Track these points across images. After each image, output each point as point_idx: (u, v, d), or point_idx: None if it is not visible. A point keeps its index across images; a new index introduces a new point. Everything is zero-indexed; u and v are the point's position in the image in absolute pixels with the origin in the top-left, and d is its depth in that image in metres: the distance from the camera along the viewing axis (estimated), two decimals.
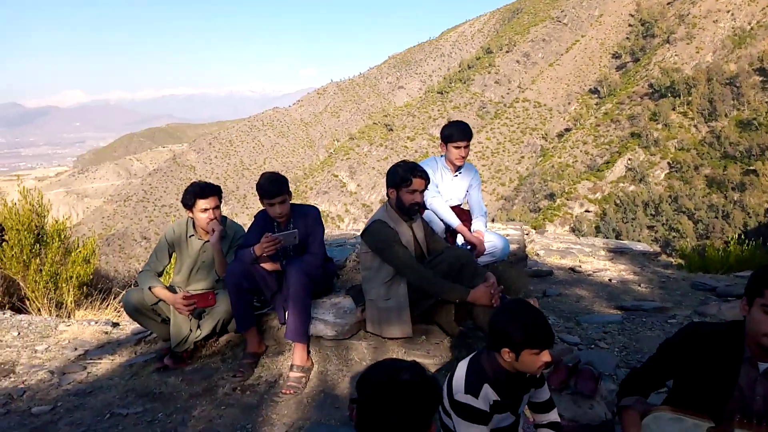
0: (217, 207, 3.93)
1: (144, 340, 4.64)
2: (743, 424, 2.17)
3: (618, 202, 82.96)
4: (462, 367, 2.37)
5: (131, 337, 4.91)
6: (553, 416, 2.52)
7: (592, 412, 3.11)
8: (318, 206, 4.16)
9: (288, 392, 3.48)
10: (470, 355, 2.42)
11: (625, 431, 2.34)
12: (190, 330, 3.92)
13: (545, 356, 2.20)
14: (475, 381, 2.28)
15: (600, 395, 3.23)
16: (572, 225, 76.15)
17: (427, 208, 4.38)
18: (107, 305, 6.93)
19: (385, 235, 3.55)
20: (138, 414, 3.44)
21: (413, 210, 3.60)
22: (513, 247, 5.49)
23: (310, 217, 3.90)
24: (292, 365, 3.63)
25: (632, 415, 2.35)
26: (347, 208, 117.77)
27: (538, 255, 8.78)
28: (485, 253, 4.28)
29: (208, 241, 3.95)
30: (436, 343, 3.71)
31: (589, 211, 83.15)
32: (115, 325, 5.63)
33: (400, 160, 3.77)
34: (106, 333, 5.27)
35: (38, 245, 7.06)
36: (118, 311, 6.74)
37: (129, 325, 5.59)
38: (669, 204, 79.19)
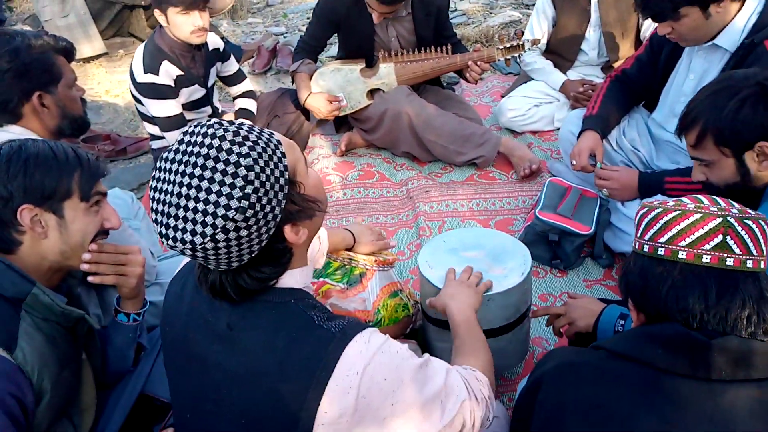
0: None
1: None
2: (385, 58, 2.64)
3: None
4: (139, 52, 2.35)
5: None
6: (246, 86, 2.71)
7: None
8: None
9: None
10: (145, 41, 2.39)
11: (299, 90, 2.69)
12: None
13: (195, 18, 2.21)
14: (152, 60, 2.30)
15: None
16: None
17: None
18: None
19: None
20: None
21: None
22: None
23: None
24: None
25: (302, 77, 2.72)
26: None
27: None
28: None
29: None
30: None
31: None
32: None
33: None
34: None
35: None
36: None
37: None
38: None
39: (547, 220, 1.98)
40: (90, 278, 1.27)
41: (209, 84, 2.53)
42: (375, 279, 1.63)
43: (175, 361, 1.06)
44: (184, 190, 0.81)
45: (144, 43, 2.38)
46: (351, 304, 1.55)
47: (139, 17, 3.34)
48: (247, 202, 0.80)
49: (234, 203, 0.79)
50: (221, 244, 0.82)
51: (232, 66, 2.64)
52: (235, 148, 0.81)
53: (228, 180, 0.80)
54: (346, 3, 2.56)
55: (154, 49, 2.31)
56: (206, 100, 2.54)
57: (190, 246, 0.82)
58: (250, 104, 2.71)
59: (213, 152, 0.81)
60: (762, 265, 0.89)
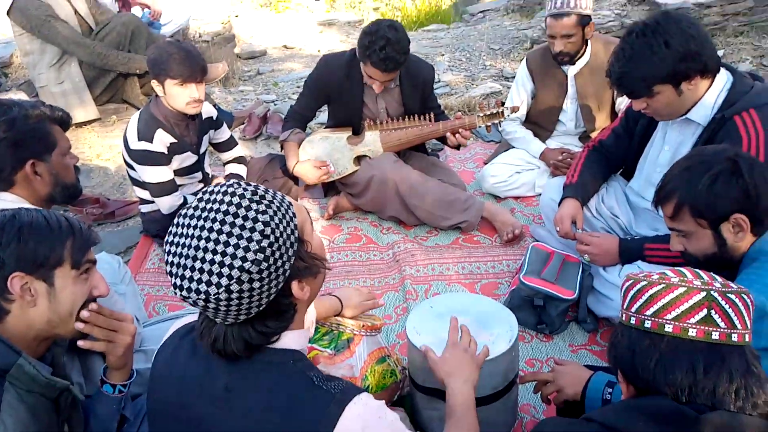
0: None
1: None
2: (371, 126, 2.74)
3: None
4: (134, 119, 2.41)
5: None
6: (237, 152, 2.78)
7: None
8: None
9: None
10: (140, 108, 2.46)
11: (288, 158, 2.76)
12: None
13: (192, 90, 2.28)
14: (146, 128, 2.35)
15: None
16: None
17: None
18: None
19: (37, 9, 3.12)
20: None
21: None
22: (216, 27, 5.49)
23: None
24: None
25: (291, 145, 2.79)
26: None
27: (251, 37, 8.67)
28: (167, 22, 4.09)
29: None
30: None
31: None
32: None
33: None
34: None
35: None
36: None
37: None
38: None
39: (532, 285, 2.01)
40: (80, 343, 1.26)
41: (201, 151, 2.59)
42: (362, 344, 1.63)
43: (165, 429, 1.05)
44: (202, 243, 0.87)
45: (139, 111, 2.44)
46: (339, 370, 1.55)
47: (134, 85, 3.43)
48: (263, 255, 0.86)
49: (250, 255, 0.85)
50: (234, 295, 0.86)
51: (224, 133, 2.71)
52: (254, 206, 0.88)
53: (246, 234, 0.86)
54: (337, 76, 2.67)
55: (149, 118, 2.37)
56: (198, 165, 2.59)
57: (203, 296, 0.86)
58: (241, 169, 2.76)
59: (232, 208, 0.88)
60: (747, 338, 0.92)
